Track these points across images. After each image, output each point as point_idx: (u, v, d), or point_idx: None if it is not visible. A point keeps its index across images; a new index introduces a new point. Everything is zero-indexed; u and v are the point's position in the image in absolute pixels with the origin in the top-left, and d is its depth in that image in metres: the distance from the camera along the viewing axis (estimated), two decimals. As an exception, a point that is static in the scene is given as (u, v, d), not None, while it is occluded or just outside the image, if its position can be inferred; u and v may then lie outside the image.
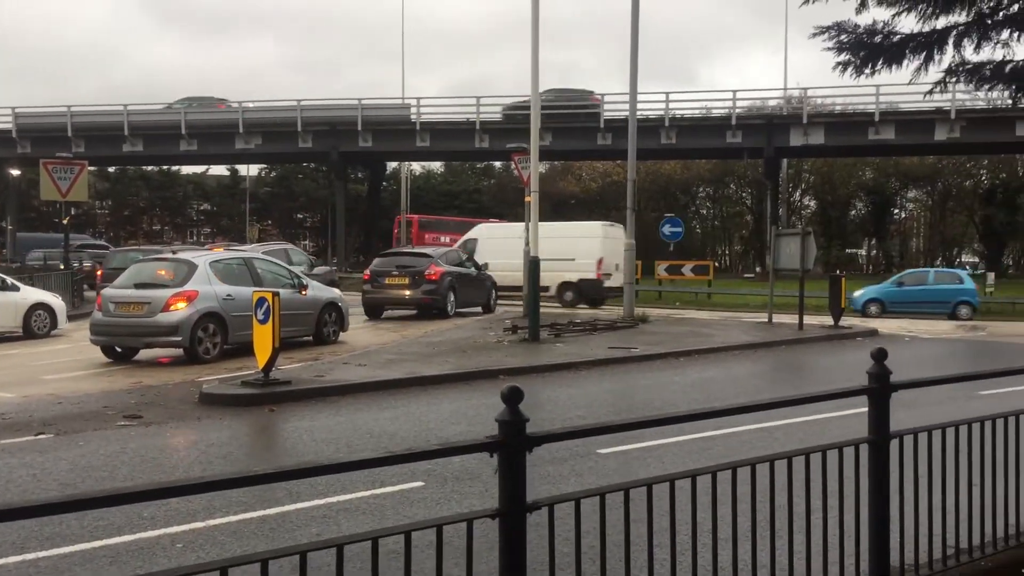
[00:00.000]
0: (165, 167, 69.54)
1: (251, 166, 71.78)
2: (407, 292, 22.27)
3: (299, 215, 78.71)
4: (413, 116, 49.54)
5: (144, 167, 68.37)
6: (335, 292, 18.58)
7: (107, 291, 15.53)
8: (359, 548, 2.97)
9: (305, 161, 67.14)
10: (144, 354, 15.33)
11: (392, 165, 66.04)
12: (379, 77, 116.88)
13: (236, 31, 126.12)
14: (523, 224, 30.67)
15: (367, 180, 64.55)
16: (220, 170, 74.60)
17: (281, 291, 15.35)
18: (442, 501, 6.52)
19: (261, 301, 10.88)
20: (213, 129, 50.10)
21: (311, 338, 17.16)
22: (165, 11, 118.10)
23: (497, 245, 28.95)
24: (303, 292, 16.81)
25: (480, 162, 76.04)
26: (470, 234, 32.33)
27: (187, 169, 72.73)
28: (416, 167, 73.61)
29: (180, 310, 14.48)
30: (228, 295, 15.11)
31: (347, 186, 56.17)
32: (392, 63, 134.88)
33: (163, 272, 15.56)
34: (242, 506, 6.32)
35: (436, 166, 79.50)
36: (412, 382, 12.24)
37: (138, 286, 15.21)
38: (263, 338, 10.94)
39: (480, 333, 18.52)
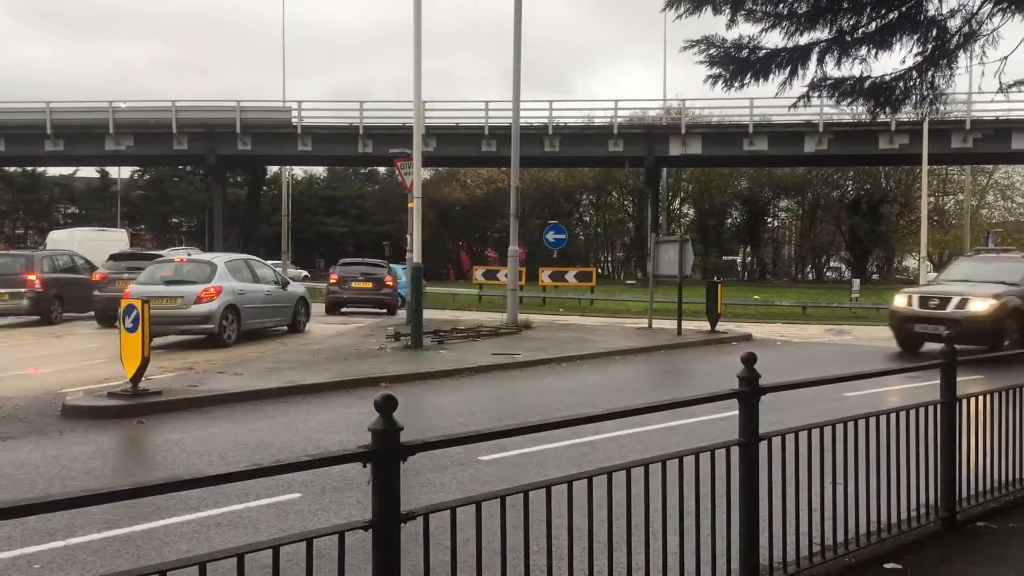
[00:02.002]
0: (29, 168, 66.15)
1: (123, 168, 69.01)
2: (371, 293, 28.14)
3: (175, 219, 76.19)
4: (294, 119, 48.61)
5: (6, 168, 64.87)
6: (303, 288, 21.92)
7: (136, 287, 17.67)
8: (229, 564, 2.86)
9: (181, 164, 65.02)
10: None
11: (273, 169, 64.66)
12: (256, 81, 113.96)
13: (106, 32, 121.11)
14: (83, 229, 40.84)
15: (247, 184, 62.93)
16: (89, 172, 71.47)
17: (268, 287, 19.76)
18: (319, 512, 6.37)
19: (130, 309, 10.41)
20: (81, 129, 47.91)
21: (287, 328, 20.34)
22: (30, 11, 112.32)
23: (63, 248, 32.17)
24: (286, 288, 20.44)
25: (364, 167, 75.24)
26: (50, 236, 38.69)
27: (53, 171, 69.39)
28: (298, 171, 72.30)
29: (210, 302, 17.36)
30: (241, 290, 18.26)
31: (225, 190, 54.66)
32: (268, 68, 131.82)
33: (189, 270, 18.40)
34: (106, 523, 6.02)
35: (319, 171, 78.29)
36: (291, 391, 11.95)
37: (168, 283, 17.91)
38: (131, 347, 10.47)
39: (363, 340, 18.29)
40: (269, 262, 25.16)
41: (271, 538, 3.07)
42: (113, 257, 24.11)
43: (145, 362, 10.61)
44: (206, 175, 58.04)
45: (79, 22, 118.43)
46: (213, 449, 8.59)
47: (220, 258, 19.39)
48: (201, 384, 12.10)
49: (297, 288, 21.30)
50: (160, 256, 22.75)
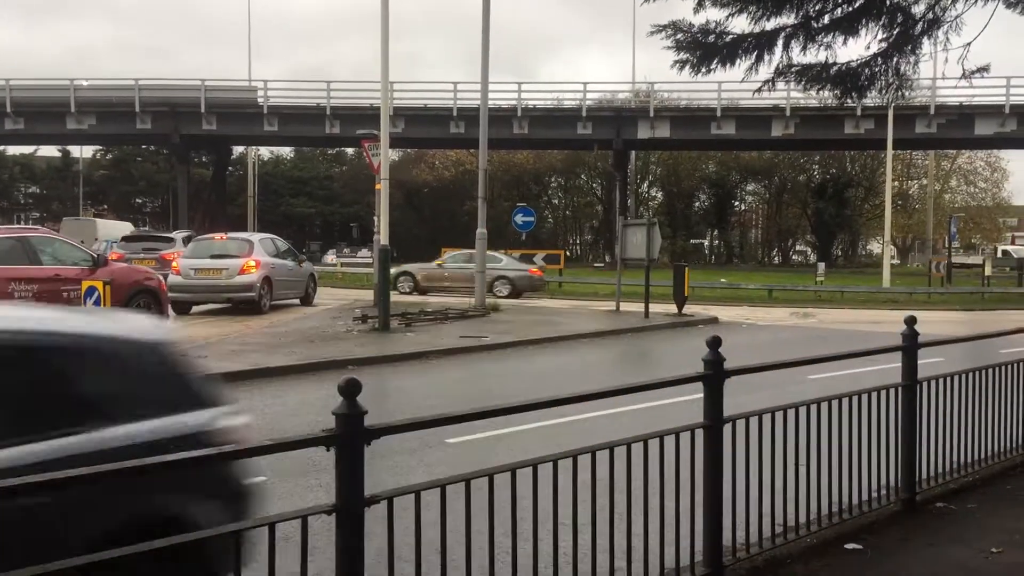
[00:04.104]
0: (-12, 147, 64.97)
1: (85, 147, 67.91)
2: None
3: (138, 200, 75.16)
4: (260, 99, 48.03)
5: (-36, 147, 63.66)
6: (312, 266, 24.75)
7: (184, 261, 20.10)
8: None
9: (144, 143, 64.11)
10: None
11: (239, 149, 63.96)
12: (218, 63, 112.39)
13: (65, 14, 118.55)
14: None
15: (212, 164, 62.17)
16: (51, 151, 70.25)
17: (290, 262, 22.31)
18: (285, 496, 6.33)
19: (91, 290, 10.28)
20: (42, 107, 47.01)
21: (299, 300, 22.66)
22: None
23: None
24: (301, 265, 22.95)
25: (331, 148, 74.64)
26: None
27: (13, 149, 68.13)
28: (264, 152, 71.61)
29: (252, 273, 19.86)
30: (273, 265, 20.89)
31: (190, 170, 53.97)
32: (230, 50, 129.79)
33: (230, 246, 20.72)
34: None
35: (285, 151, 77.51)
36: (256, 374, 11.86)
37: (213, 256, 20.15)
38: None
39: (329, 323, 18.19)
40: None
41: (233, 524, 3.04)
42: (125, 239, 26.90)
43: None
44: (170, 155, 57.22)
45: (38, 3, 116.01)
46: (177, 432, 8.50)
47: (255, 236, 22.49)
48: (165, 367, 11.96)
49: (308, 265, 23.92)
50: (170, 238, 25.58)
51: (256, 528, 3.00)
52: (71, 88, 46.97)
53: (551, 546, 3.81)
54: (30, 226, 30.44)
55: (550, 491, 3.77)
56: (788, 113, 45.21)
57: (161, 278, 16.44)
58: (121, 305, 14.28)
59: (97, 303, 10.19)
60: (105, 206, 73.34)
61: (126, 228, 38.73)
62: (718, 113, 45.88)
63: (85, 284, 10.59)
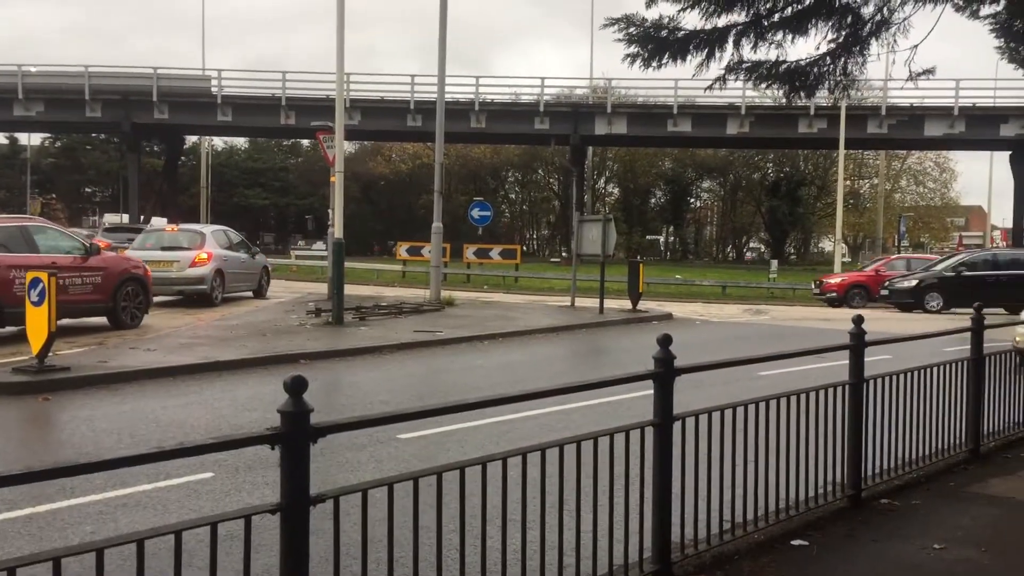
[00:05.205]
0: (-69, 133, 63.29)
1: (33, 135, 66.46)
2: None
3: (88, 189, 73.83)
4: (214, 89, 47.33)
5: (-93, 132, 61.93)
6: (265, 259, 24.54)
7: (134, 252, 19.35)
8: (130, 548, 2.76)
9: (94, 131, 62.96)
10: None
11: (192, 139, 63.02)
12: (170, 51, 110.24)
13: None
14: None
15: (164, 154, 61.17)
16: (-3, 138, 68.72)
17: (243, 255, 22.26)
18: (232, 492, 6.24)
19: (36, 282, 10.01)
20: (-13, 94, 45.94)
21: (252, 293, 22.66)
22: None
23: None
24: (254, 257, 22.98)
25: (286, 139, 73.88)
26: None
27: (-42, 136, 66.54)
28: (218, 142, 70.67)
29: (204, 266, 19.75)
30: (225, 257, 20.76)
31: (141, 160, 53.06)
32: (182, 37, 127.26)
33: (182, 238, 20.65)
34: (6, 504, 5.79)
35: (240, 142, 76.58)
36: (206, 367, 11.68)
37: (164, 248, 20.07)
38: (37, 321, 10.08)
39: (282, 316, 17.99)
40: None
41: (174, 523, 2.98)
42: (107, 230, 27.89)
43: (51, 337, 10.24)
44: (121, 144, 56.22)
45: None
46: (123, 427, 8.34)
47: (207, 228, 22.19)
48: (112, 360, 11.75)
49: (261, 258, 23.86)
50: (149, 228, 26.08)
51: (199, 528, 2.94)
52: (19, 74, 45.90)
53: (500, 543, 3.80)
54: (26, 214, 30.34)
55: (499, 488, 3.75)
56: (743, 111, 45.67)
57: (147, 267, 16.52)
58: (111, 292, 14.88)
59: (42, 295, 9.94)
60: (53, 195, 71.88)
61: (160, 222, 36.22)
62: (675, 110, 46.19)
63: (29, 275, 10.32)
